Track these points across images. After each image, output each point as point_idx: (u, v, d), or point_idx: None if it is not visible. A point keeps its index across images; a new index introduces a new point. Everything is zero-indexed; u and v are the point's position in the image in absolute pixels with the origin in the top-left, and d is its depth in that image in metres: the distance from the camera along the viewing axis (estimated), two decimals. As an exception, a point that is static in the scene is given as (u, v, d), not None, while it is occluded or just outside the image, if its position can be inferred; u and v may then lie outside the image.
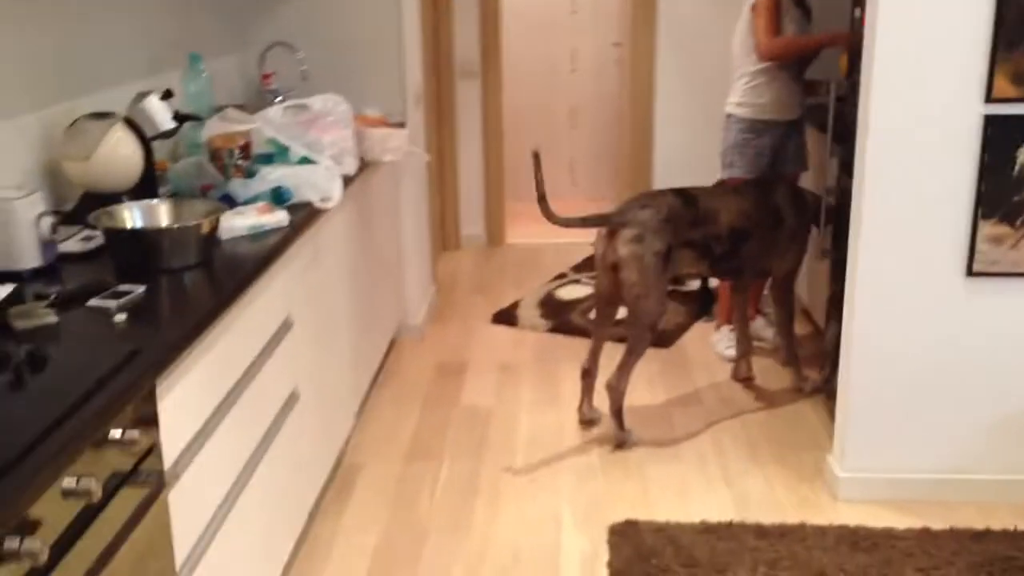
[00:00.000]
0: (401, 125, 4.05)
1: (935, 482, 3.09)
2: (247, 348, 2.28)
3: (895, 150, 2.86)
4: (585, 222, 3.47)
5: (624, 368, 3.48)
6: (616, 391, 3.49)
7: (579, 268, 5.52)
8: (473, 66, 5.84)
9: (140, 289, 2.03)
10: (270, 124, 3.01)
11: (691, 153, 5.78)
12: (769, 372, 4.12)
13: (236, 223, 2.46)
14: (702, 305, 4.86)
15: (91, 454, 1.50)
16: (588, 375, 3.67)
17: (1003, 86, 2.78)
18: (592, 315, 3.95)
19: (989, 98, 2.79)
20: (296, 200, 2.80)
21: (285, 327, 2.58)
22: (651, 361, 4.15)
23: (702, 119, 5.73)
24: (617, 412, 3.51)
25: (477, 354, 4.43)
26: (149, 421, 1.73)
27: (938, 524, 2.96)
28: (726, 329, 4.33)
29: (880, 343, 3.01)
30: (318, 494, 3.05)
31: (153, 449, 1.74)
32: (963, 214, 2.89)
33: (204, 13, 3.90)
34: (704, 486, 3.26)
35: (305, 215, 2.74)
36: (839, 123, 3.56)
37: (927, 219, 2.90)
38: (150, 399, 1.73)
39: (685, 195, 3.50)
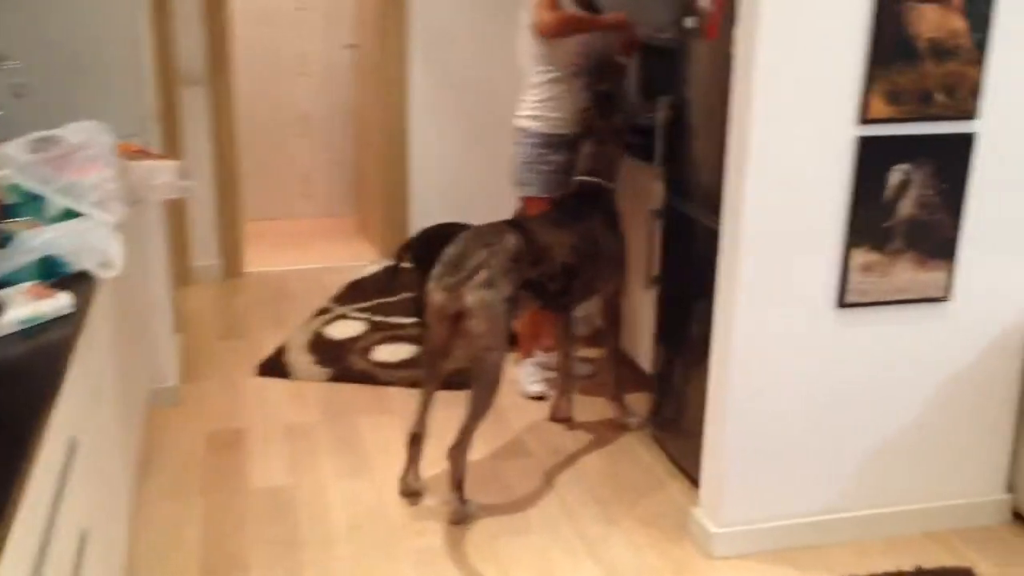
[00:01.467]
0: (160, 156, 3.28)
1: (810, 525, 2.90)
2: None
3: (772, 175, 2.60)
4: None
5: (468, 432, 2.99)
6: (459, 460, 3.00)
7: (341, 299, 4.92)
8: (198, 72, 5.03)
9: None
10: (12, 165, 2.20)
11: (455, 166, 5.36)
12: (578, 406, 3.79)
13: (3, 319, 1.71)
14: None
15: None
16: (417, 441, 3.14)
17: (878, 106, 2.59)
18: (410, 367, 3.40)
19: (864, 119, 2.60)
20: (70, 270, 2.05)
21: (71, 450, 1.85)
22: (454, 406, 3.69)
23: (466, 129, 5.33)
24: (459, 483, 3.02)
25: (252, 417, 3.74)
26: None
27: (817, 573, 2.77)
28: (529, 364, 3.96)
29: (752, 383, 2.75)
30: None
31: None
32: (835, 242, 2.69)
33: None
34: (569, 562, 2.85)
35: (85, 292, 2.01)
36: (666, 143, 3.28)
37: (800, 248, 2.68)
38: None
39: (522, 230, 3.09)
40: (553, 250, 3.16)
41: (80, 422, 1.95)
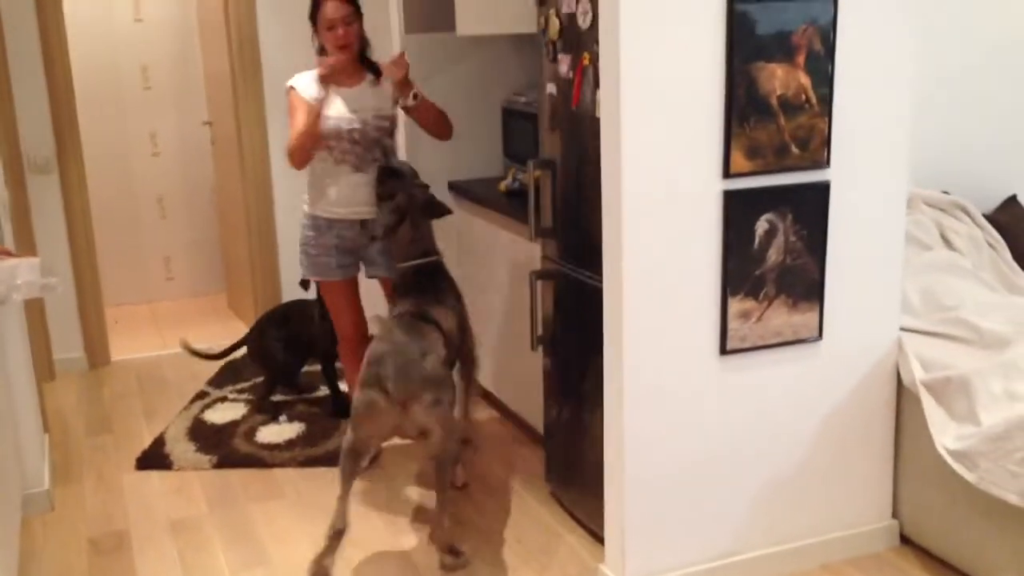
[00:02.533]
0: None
1: (714, 570, 2.96)
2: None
3: (647, 232, 2.68)
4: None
5: (444, 509, 3.09)
6: (442, 535, 3.11)
7: (217, 382, 4.78)
8: (47, 160, 4.84)
9: None
10: None
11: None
12: (473, 467, 3.79)
13: None
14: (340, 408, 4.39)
15: None
16: (340, 535, 3.02)
17: (739, 161, 2.72)
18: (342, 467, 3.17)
19: (727, 173, 2.72)
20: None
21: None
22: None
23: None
24: (451, 549, 3.14)
25: (134, 516, 3.57)
26: None
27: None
28: None
29: (646, 434, 2.81)
30: None
31: None
32: (713, 292, 2.79)
33: None
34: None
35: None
36: (537, 206, 3.34)
37: (680, 300, 2.76)
38: None
39: (434, 322, 3.17)
40: (454, 332, 3.23)
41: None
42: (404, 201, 3.42)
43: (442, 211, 3.53)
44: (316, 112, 3.44)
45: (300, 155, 3.47)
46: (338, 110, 3.50)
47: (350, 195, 3.56)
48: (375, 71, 3.60)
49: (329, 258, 3.63)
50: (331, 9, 3.42)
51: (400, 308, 3.29)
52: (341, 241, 3.62)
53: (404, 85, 3.52)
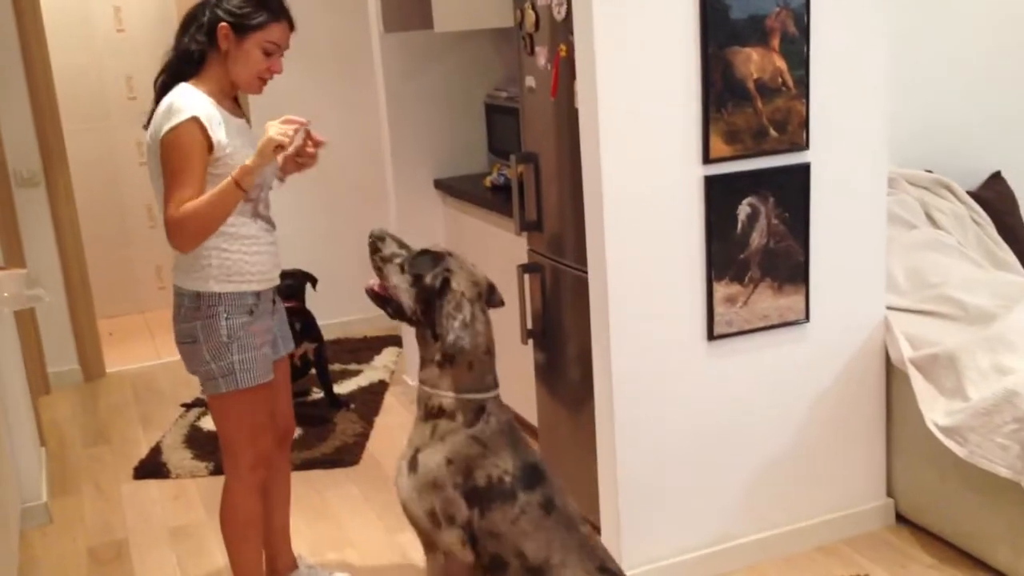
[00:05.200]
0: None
1: (710, 556, 2.97)
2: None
3: (630, 221, 2.69)
4: None
5: None
6: None
7: (212, 388, 4.79)
8: (33, 173, 4.84)
9: None
10: None
11: (315, 238, 5.32)
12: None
13: None
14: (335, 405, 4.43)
15: None
16: None
17: (718, 146, 2.73)
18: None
19: (707, 159, 2.73)
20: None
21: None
22: (345, 483, 3.64)
23: (326, 203, 5.32)
24: None
25: (133, 525, 3.58)
26: None
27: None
28: None
29: (636, 423, 2.82)
30: None
31: None
32: (698, 278, 2.80)
33: None
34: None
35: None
36: (521, 199, 3.35)
37: (666, 288, 2.77)
38: None
39: None
40: None
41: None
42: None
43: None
44: (245, 172, 2.45)
45: (203, 235, 2.50)
46: (246, 146, 2.57)
47: (272, 257, 2.69)
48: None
49: (267, 347, 2.69)
50: (280, 33, 2.57)
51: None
52: (271, 317, 2.75)
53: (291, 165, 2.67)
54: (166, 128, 2.43)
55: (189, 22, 2.58)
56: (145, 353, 5.51)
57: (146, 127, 2.55)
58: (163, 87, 2.56)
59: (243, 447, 2.67)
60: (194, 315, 2.58)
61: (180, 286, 2.62)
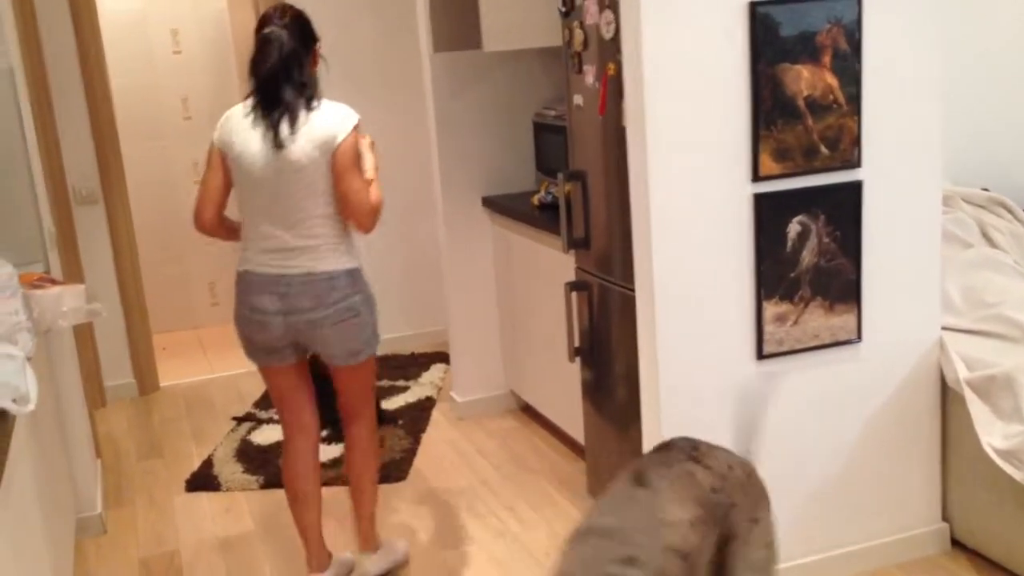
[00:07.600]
0: (49, 279, 3.20)
1: (758, 578, 2.93)
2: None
3: (678, 239, 2.68)
4: None
5: None
6: None
7: (263, 404, 4.85)
8: (92, 191, 4.96)
9: None
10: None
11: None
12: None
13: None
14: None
15: None
16: None
17: (768, 163, 2.71)
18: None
19: (756, 177, 2.71)
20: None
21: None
22: (392, 498, 3.65)
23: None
24: None
25: (185, 537, 3.63)
26: None
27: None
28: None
29: (684, 445, 2.80)
30: None
31: None
32: (747, 297, 2.78)
33: None
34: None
35: (2, 431, 1.95)
36: (569, 216, 3.36)
37: (714, 306, 2.76)
38: None
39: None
40: None
41: (6, 564, 1.88)
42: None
43: None
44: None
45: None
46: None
47: None
48: None
49: None
50: None
51: None
52: None
53: None
54: (350, 128, 2.78)
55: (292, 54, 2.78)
56: (198, 368, 5.59)
57: (276, 143, 2.75)
58: (307, 102, 2.78)
59: (372, 403, 3.11)
60: (353, 290, 2.87)
61: (329, 269, 2.83)
